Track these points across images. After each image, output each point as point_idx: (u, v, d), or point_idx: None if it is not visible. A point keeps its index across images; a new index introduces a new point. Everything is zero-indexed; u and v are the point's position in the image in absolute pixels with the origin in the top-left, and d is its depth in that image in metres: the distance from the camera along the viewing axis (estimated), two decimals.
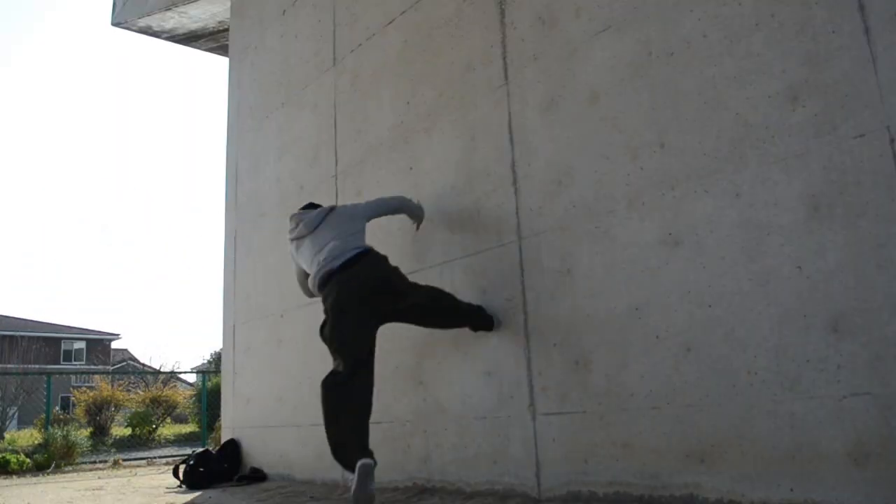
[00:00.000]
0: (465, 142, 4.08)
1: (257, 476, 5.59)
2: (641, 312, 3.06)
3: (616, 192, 3.24)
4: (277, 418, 5.51)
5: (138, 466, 9.33)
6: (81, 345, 44.18)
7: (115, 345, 47.23)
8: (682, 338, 2.91)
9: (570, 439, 3.27)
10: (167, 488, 5.70)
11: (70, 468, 9.18)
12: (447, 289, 4.05)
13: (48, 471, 8.87)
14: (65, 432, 9.50)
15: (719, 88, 2.94)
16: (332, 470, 4.77)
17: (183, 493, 5.37)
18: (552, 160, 3.55)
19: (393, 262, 4.53)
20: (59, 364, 40.34)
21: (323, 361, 5.08)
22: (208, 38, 9.74)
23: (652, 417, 2.97)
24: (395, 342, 4.40)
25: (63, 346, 43.30)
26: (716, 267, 2.84)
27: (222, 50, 9.38)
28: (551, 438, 3.36)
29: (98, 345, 44.53)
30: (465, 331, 3.89)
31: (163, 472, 7.63)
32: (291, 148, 5.78)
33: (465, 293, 3.92)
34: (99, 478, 7.66)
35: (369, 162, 4.84)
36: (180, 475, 5.68)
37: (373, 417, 4.56)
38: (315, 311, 5.19)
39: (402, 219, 4.47)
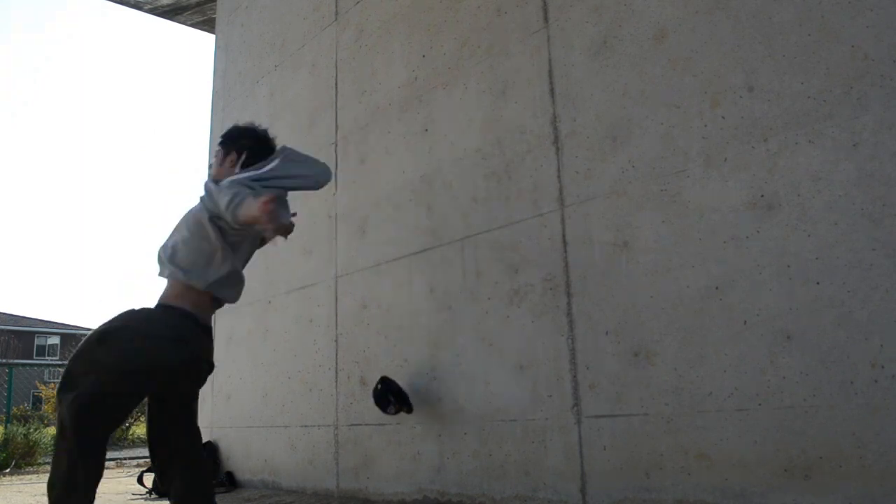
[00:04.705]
0: (493, 97, 3.49)
1: (232, 482, 4.95)
2: (724, 292, 2.48)
3: (689, 146, 2.66)
4: (262, 418, 4.86)
5: (106, 468, 8.59)
6: (56, 340, 42.87)
7: None
8: (779, 323, 2.33)
9: (626, 447, 2.68)
10: (133, 495, 5.03)
11: (31, 469, 8.42)
12: (469, 269, 3.46)
13: (6, 472, 8.12)
14: (26, 430, 8.73)
15: (827, 16, 2.38)
16: (326, 478, 4.14)
17: (151, 501, 4.71)
18: (605, 113, 2.97)
19: (406, 237, 3.93)
20: (32, 359, 39.07)
21: (316, 353, 4.46)
22: (194, 11, 9.03)
23: (738, 422, 2.39)
24: (402, 331, 3.80)
25: (36, 341, 42.00)
26: (826, 234, 2.27)
27: (209, 25, 8.69)
28: (602, 446, 2.76)
29: (73, 340, 43.22)
30: (490, 316, 3.30)
31: (131, 475, 6.94)
32: (284, 114, 5.15)
33: (493, 273, 3.33)
34: None
35: (376, 125, 4.23)
36: (145, 482, 5.02)
37: (376, 419, 3.95)
38: (308, 296, 4.57)
39: (414, 189, 3.87)
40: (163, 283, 2.62)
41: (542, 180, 3.17)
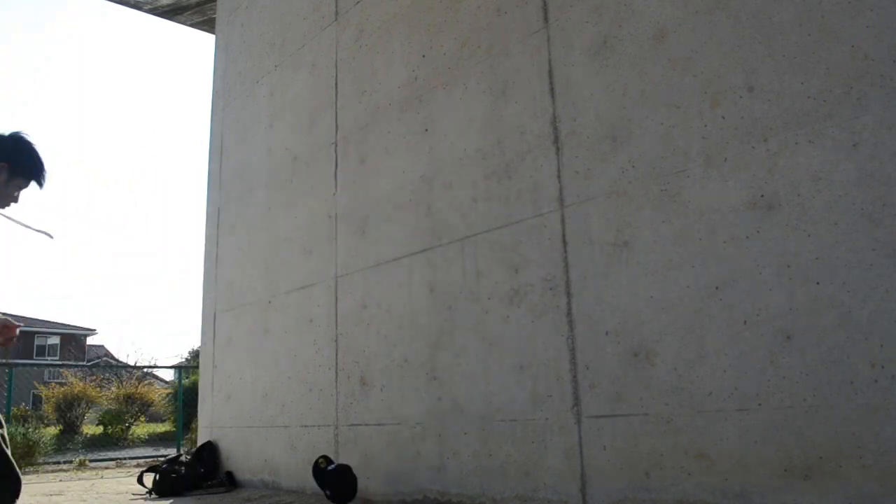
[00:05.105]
0: (493, 97, 3.49)
1: (232, 481, 4.95)
2: (724, 292, 2.48)
3: (689, 146, 2.66)
4: (262, 418, 4.87)
5: (106, 468, 8.59)
6: (55, 340, 42.84)
7: (91, 340, 45.86)
8: (779, 323, 2.34)
9: (626, 447, 2.69)
10: (134, 495, 5.03)
11: (31, 469, 8.42)
12: (469, 269, 3.46)
13: None
14: (25, 430, 8.73)
15: (827, 16, 2.38)
16: None
17: (152, 500, 4.71)
18: (605, 113, 2.97)
19: (406, 237, 3.94)
20: (32, 359, 39.05)
21: (316, 353, 4.46)
22: (194, 11, 9.02)
23: (738, 422, 2.39)
24: (402, 330, 3.80)
25: (36, 341, 41.97)
26: (826, 234, 2.27)
27: (209, 25, 8.69)
28: (602, 446, 2.77)
29: (73, 340, 43.21)
30: (491, 316, 3.30)
31: (131, 475, 6.93)
32: (284, 114, 5.16)
33: (493, 273, 3.33)
34: (60, 480, 6.94)
35: (376, 125, 4.23)
36: (145, 482, 5.02)
37: (376, 419, 3.96)
38: (308, 296, 4.57)
39: (414, 189, 3.87)
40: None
41: (542, 180, 3.17)
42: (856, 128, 2.26)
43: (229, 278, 5.56)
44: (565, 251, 3.02)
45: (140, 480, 5.14)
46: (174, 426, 13.80)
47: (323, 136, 4.69)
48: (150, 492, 4.93)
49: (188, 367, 17.02)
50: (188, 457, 5.33)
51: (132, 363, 23.37)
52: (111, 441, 14.57)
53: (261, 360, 5.00)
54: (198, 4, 8.71)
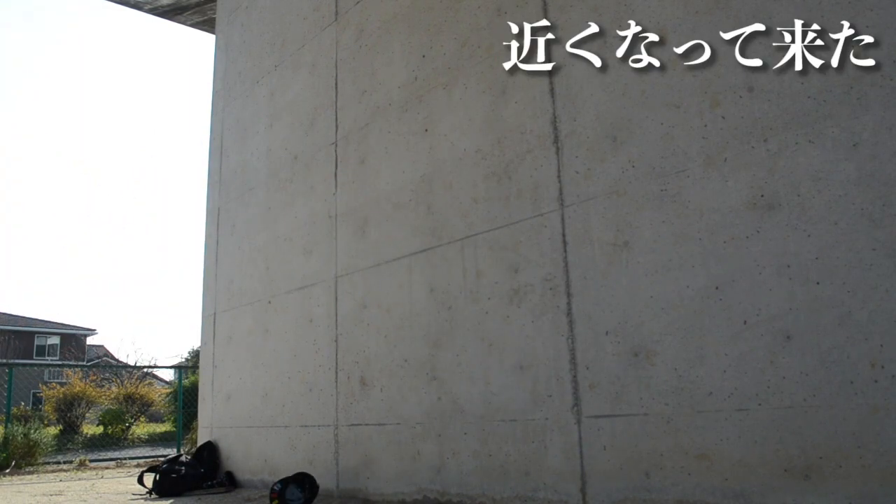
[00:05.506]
0: (493, 97, 3.49)
1: (232, 481, 4.95)
2: (723, 292, 2.48)
3: (689, 146, 2.66)
4: (262, 417, 4.87)
5: (106, 468, 8.59)
6: (55, 340, 42.84)
7: (91, 340, 45.86)
8: (779, 323, 2.34)
9: (626, 447, 2.69)
10: (134, 495, 5.03)
11: (31, 469, 8.42)
12: (469, 269, 3.46)
13: (6, 472, 8.11)
14: (26, 430, 8.72)
15: (827, 16, 2.38)
16: (324, 478, 4.14)
17: (152, 500, 4.71)
18: (605, 113, 2.97)
19: (406, 237, 3.95)
20: (32, 359, 39.05)
21: (316, 353, 4.46)
22: (194, 11, 9.02)
23: (738, 422, 2.39)
24: (402, 331, 3.80)
25: (36, 341, 41.97)
26: (826, 235, 2.27)
27: (209, 25, 8.69)
28: (602, 446, 2.76)
29: (73, 340, 43.21)
30: (491, 316, 3.30)
31: (131, 475, 6.93)
32: (284, 114, 5.16)
33: (493, 273, 3.33)
34: (61, 480, 6.93)
35: (376, 125, 4.23)
36: (146, 482, 5.02)
37: (376, 419, 3.96)
38: (308, 296, 4.57)
39: (414, 189, 3.87)
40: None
41: (542, 180, 3.17)
42: (856, 128, 2.26)
43: (229, 278, 5.56)
44: (565, 251, 3.02)
45: (140, 480, 5.14)
46: (174, 426, 13.81)
47: (323, 136, 4.69)
48: (150, 492, 4.93)
49: (188, 367, 17.02)
50: (188, 457, 5.33)
51: (132, 363, 23.37)
52: (111, 441, 14.58)
53: (261, 360, 5.00)
54: (198, 4, 8.71)
